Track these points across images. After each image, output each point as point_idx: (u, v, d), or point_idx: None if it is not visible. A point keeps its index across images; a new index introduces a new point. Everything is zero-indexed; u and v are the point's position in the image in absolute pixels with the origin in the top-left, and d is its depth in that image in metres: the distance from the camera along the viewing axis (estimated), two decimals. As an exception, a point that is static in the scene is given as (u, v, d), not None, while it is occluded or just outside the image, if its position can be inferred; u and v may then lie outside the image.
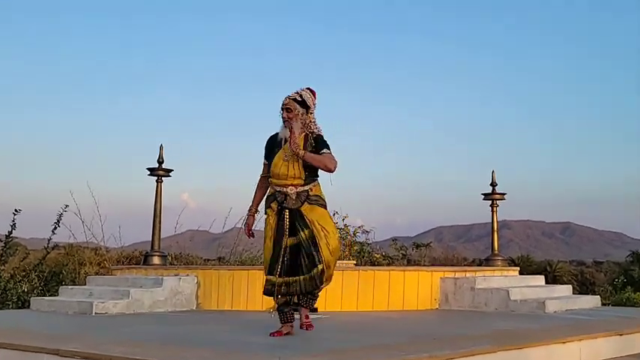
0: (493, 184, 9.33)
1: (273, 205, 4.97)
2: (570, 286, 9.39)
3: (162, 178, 8.56)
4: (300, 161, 4.88)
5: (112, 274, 8.82)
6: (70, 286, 8.71)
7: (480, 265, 10.16)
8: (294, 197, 4.89)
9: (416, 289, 7.99)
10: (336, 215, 13.35)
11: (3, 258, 10.11)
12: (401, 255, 15.24)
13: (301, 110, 4.98)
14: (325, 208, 5.04)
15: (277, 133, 5.09)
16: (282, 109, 4.99)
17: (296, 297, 5.01)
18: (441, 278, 8.13)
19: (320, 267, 4.83)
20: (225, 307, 7.70)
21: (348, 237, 13.44)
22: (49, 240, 10.76)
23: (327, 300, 7.53)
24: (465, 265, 18.00)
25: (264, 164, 5.13)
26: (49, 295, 9.60)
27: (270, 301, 5.06)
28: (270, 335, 4.94)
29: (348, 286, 7.80)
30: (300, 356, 4.14)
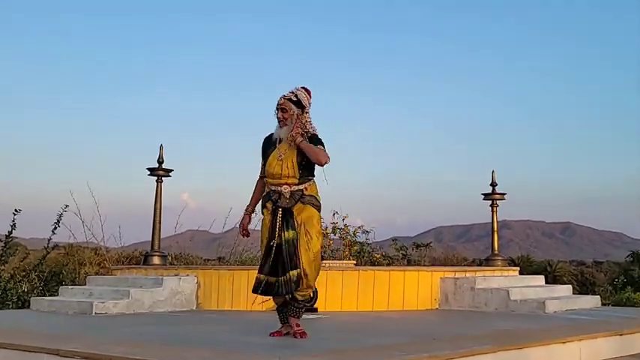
0: (493, 184, 9.33)
1: (269, 204, 4.95)
2: (570, 286, 9.40)
3: (162, 178, 8.57)
4: (295, 160, 4.85)
5: (112, 274, 8.82)
6: (70, 286, 8.71)
7: (480, 265, 10.17)
8: (287, 196, 4.87)
9: (416, 289, 7.99)
10: (335, 215, 13.38)
11: (3, 258, 10.11)
12: (401, 255, 15.24)
13: (297, 110, 4.96)
14: (318, 210, 4.97)
15: (272, 134, 5.08)
16: (278, 109, 4.98)
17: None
18: (441, 278, 8.14)
19: (295, 272, 4.75)
20: (225, 307, 7.70)
21: (348, 237, 13.44)
22: (49, 240, 10.77)
23: (327, 300, 7.55)
24: (465, 265, 18.03)
25: (262, 164, 5.12)
26: (49, 295, 9.60)
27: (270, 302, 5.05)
28: (270, 335, 4.95)
29: (348, 286, 7.80)
30: (300, 356, 4.14)
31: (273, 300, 5.09)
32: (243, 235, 5.25)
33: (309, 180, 4.97)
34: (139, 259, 13.21)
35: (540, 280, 9.28)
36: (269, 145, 5.06)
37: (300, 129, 4.90)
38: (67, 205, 10.83)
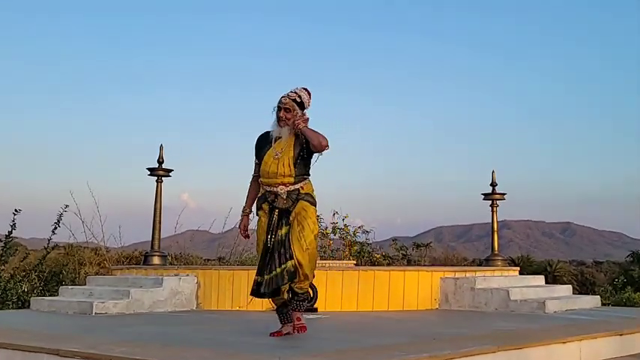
0: (493, 184, 9.33)
1: (264, 206, 4.92)
2: (570, 286, 9.40)
3: (162, 178, 8.56)
4: (291, 159, 4.83)
5: (112, 274, 8.82)
6: (70, 286, 8.71)
7: (480, 265, 10.17)
8: (284, 197, 4.85)
9: (416, 289, 7.99)
10: (335, 215, 13.39)
11: (3, 258, 10.11)
12: (401, 255, 15.24)
13: (299, 111, 4.95)
14: (314, 205, 4.96)
15: (268, 132, 5.02)
16: (281, 108, 4.94)
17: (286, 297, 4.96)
18: (441, 278, 8.14)
19: (290, 263, 4.75)
20: (225, 307, 7.70)
21: (348, 237, 13.44)
22: (49, 240, 10.77)
23: (327, 300, 7.56)
24: (465, 265, 18.04)
25: (256, 163, 5.07)
26: (49, 295, 9.60)
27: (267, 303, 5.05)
28: (270, 335, 4.95)
29: (348, 286, 7.80)
30: (300, 356, 4.14)
31: (273, 301, 5.10)
32: (244, 237, 5.25)
33: (305, 179, 4.95)
34: (139, 259, 13.22)
35: (540, 280, 9.28)
36: (264, 143, 4.99)
37: (301, 119, 4.90)
38: (67, 205, 10.85)
